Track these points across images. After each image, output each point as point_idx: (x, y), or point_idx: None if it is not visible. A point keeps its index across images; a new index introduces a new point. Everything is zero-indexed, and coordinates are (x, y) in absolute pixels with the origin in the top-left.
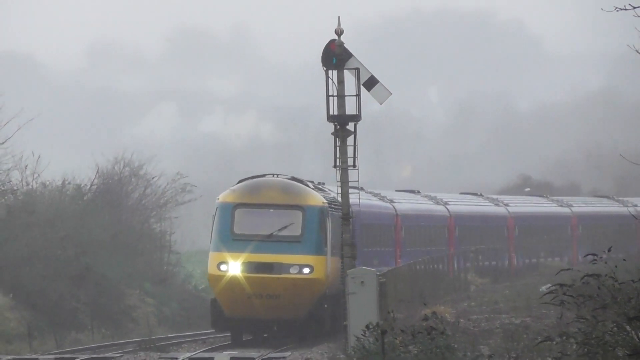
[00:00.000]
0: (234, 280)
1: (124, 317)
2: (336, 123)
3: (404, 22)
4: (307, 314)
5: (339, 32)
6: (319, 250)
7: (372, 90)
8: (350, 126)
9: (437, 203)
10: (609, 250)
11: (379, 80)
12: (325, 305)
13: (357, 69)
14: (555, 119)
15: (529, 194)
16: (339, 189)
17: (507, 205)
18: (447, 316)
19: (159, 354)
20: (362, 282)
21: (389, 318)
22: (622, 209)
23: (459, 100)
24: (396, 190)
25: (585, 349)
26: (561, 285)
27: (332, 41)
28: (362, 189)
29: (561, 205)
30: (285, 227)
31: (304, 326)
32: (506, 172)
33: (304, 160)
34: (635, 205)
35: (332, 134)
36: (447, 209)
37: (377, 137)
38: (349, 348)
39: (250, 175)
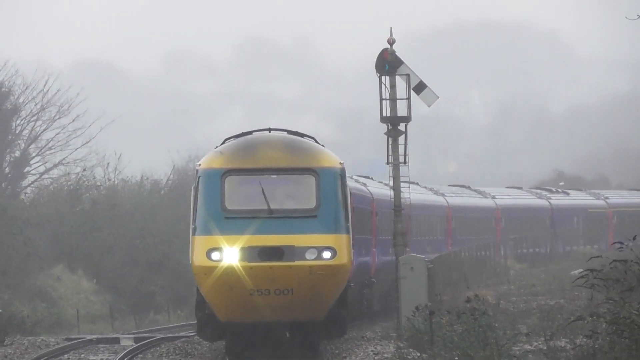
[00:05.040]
0: (230, 273)
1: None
2: (389, 124)
3: (450, 33)
4: (327, 313)
5: (391, 42)
6: (340, 227)
7: (421, 94)
8: (401, 126)
9: (485, 196)
10: (634, 239)
11: (427, 85)
12: (347, 299)
13: (408, 75)
14: (586, 119)
15: (564, 187)
16: (392, 182)
17: (549, 198)
18: (489, 298)
19: None
20: (412, 267)
21: (436, 300)
22: None
23: (499, 102)
24: (449, 185)
25: (614, 328)
26: (591, 270)
27: (384, 50)
28: (417, 183)
29: (597, 198)
30: (289, 196)
31: (324, 329)
32: (541, 167)
33: (360, 157)
34: None
35: (385, 133)
36: (495, 202)
37: (426, 136)
38: (401, 327)
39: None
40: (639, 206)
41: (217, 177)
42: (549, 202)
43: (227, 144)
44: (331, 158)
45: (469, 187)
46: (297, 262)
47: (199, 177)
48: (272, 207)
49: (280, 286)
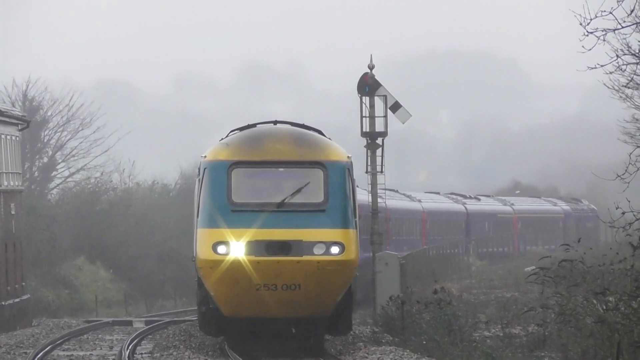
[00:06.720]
0: (236, 267)
1: None
2: (368, 138)
3: (423, 60)
4: (334, 309)
5: (371, 67)
6: (348, 222)
7: (396, 113)
8: (379, 140)
9: (412, 200)
10: (579, 241)
11: (402, 104)
12: (352, 294)
13: (385, 96)
14: (540, 136)
15: (520, 194)
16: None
17: (464, 203)
18: (453, 290)
19: None
20: (387, 263)
21: (407, 292)
22: (554, 208)
23: (465, 121)
24: (380, 189)
25: (561, 318)
26: (542, 268)
27: (365, 74)
28: (358, 186)
29: (505, 204)
30: (298, 191)
31: (330, 326)
32: (501, 178)
33: None
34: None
35: (365, 146)
36: (421, 205)
37: (400, 149)
38: (376, 315)
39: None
40: (538, 212)
41: (224, 170)
42: (465, 207)
43: (232, 136)
44: (339, 151)
45: (397, 191)
46: (304, 257)
47: (205, 168)
48: (279, 200)
49: (287, 281)
